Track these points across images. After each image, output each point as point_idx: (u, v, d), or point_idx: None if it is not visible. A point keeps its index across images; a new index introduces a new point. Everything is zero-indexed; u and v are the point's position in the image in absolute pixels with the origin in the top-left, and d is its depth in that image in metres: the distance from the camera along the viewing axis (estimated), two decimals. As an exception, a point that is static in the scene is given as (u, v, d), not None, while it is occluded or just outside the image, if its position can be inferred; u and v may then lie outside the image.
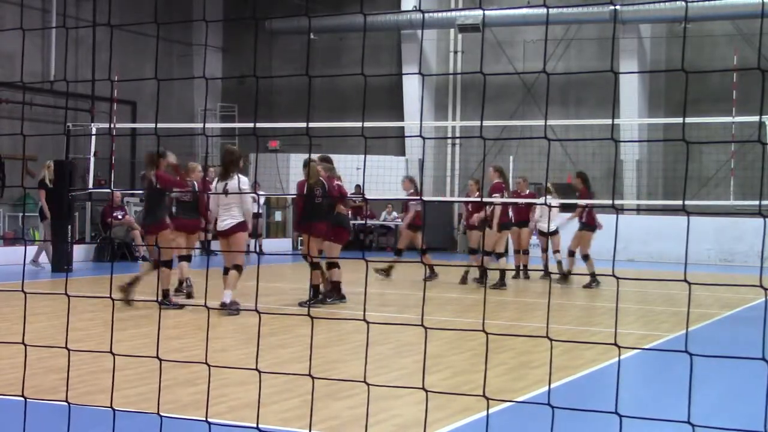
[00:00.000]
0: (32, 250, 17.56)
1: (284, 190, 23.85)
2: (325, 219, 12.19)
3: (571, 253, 15.47)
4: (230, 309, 10.75)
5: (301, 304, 11.90)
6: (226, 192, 11.16)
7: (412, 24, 25.17)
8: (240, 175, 11.25)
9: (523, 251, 17.10)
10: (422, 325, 3.57)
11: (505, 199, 15.11)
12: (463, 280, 15.74)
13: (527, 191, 17.38)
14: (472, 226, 15.58)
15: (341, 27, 26.38)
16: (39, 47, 22.63)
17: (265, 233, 23.74)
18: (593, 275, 15.11)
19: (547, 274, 16.39)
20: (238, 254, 11.18)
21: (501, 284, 14.97)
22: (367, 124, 19.04)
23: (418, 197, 16.63)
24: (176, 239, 12.60)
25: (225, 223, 11.15)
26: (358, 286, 13.62)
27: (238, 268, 11.19)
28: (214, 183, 11.71)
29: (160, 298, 10.96)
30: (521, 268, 17.19)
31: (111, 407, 4.29)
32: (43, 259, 17.16)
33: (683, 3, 21.74)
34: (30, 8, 21.77)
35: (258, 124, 21.03)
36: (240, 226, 11.17)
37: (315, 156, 12.55)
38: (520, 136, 22.56)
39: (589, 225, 15.44)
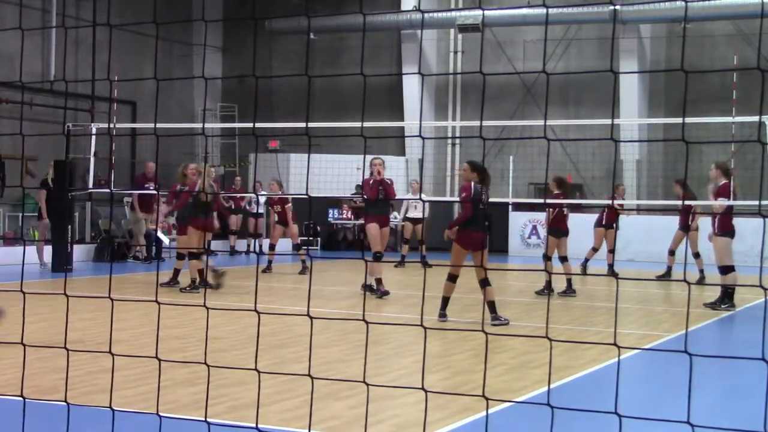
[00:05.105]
0: (31, 250, 17.55)
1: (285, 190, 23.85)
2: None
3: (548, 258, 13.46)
4: None
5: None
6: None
7: (412, 24, 25.16)
8: None
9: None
10: (422, 325, 3.57)
11: (500, 199, 14.89)
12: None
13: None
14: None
15: (341, 27, 26.36)
16: (39, 47, 22.61)
17: (265, 233, 23.72)
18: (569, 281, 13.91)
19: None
20: None
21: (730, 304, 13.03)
22: (367, 124, 19.04)
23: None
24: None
25: None
26: (357, 286, 13.61)
27: None
28: None
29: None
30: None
31: (110, 407, 4.29)
32: (45, 257, 17.17)
33: (683, 3, 21.72)
34: (30, 8, 21.74)
35: (258, 124, 21.03)
36: None
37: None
38: (520, 136, 22.53)
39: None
